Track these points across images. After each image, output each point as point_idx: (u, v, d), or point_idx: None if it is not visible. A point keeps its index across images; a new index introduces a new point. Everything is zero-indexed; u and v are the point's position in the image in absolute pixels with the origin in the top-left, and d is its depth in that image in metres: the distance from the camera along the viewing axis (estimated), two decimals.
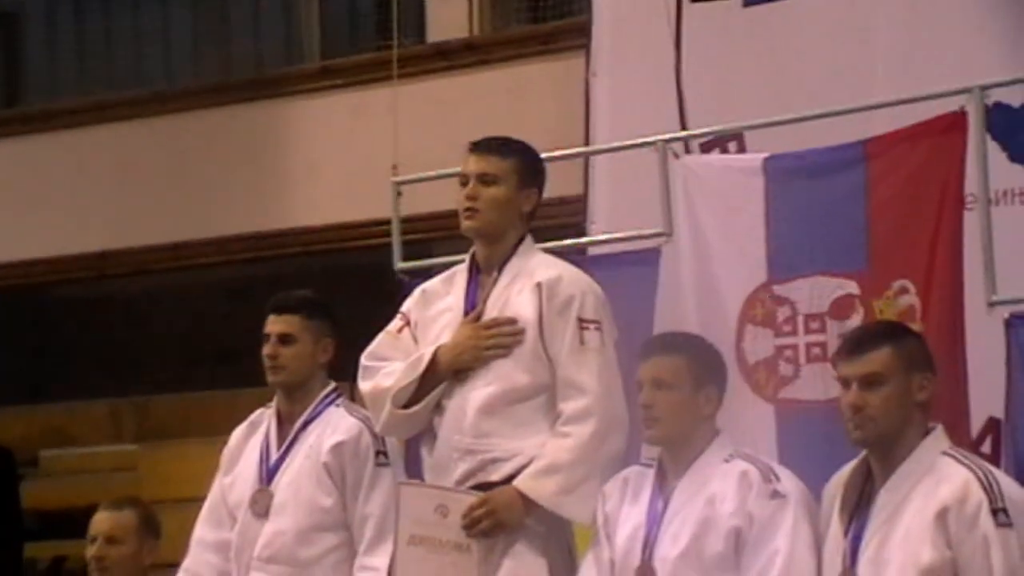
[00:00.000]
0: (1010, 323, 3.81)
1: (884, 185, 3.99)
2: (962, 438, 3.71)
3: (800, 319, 4.08)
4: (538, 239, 3.99)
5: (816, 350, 4.05)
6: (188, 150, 6.35)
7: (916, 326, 3.84)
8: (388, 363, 3.92)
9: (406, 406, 3.86)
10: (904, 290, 3.94)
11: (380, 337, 4.00)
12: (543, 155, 4.01)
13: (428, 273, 4.41)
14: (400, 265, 4.79)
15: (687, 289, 4.24)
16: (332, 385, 4.23)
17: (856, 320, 3.99)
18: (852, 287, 4.00)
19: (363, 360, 3.99)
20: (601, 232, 4.93)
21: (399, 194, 4.81)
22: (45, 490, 6.70)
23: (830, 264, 4.03)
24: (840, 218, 4.02)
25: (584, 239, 4.83)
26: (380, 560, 3.97)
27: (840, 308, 4.03)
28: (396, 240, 4.79)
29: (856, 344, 3.46)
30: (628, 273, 4.35)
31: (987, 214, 3.91)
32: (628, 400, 3.79)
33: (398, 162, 5.09)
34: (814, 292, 4.05)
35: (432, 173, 4.70)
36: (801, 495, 3.55)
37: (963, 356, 3.85)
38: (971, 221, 3.95)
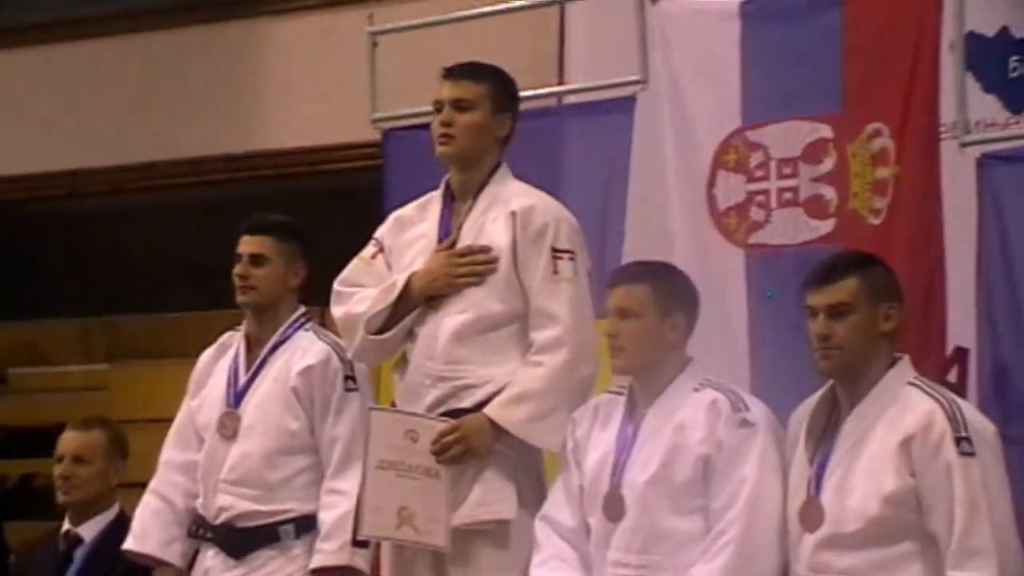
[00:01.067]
0: (981, 163, 3.80)
1: (859, 28, 4.01)
2: (935, 303, 3.73)
3: (773, 164, 4.11)
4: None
5: (788, 195, 4.08)
6: (161, 69, 6.27)
7: (890, 169, 3.85)
8: (361, 289, 3.91)
9: (378, 332, 3.85)
10: (877, 132, 3.96)
11: (353, 263, 3.98)
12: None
13: (404, 128, 4.42)
14: (376, 115, 4.80)
15: (662, 137, 4.24)
16: (302, 309, 4.22)
17: (829, 164, 4.03)
18: (826, 131, 4.02)
19: (336, 286, 3.97)
20: (578, 81, 4.86)
21: (375, 45, 4.89)
22: (14, 408, 6.70)
23: (804, 108, 4.05)
24: (815, 62, 4.03)
25: (560, 88, 4.77)
26: (348, 484, 3.98)
27: (813, 152, 4.06)
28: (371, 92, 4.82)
29: (823, 274, 3.47)
30: (604, 121, 4.38)
31: (960, 53, 3.86)
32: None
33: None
34: (788, 136, 4.08)
35: (411, 110, 4.73)
36: (769, 424, 3.57)
37: (939, 200, 3.85)
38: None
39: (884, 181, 3.96)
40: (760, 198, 4.10)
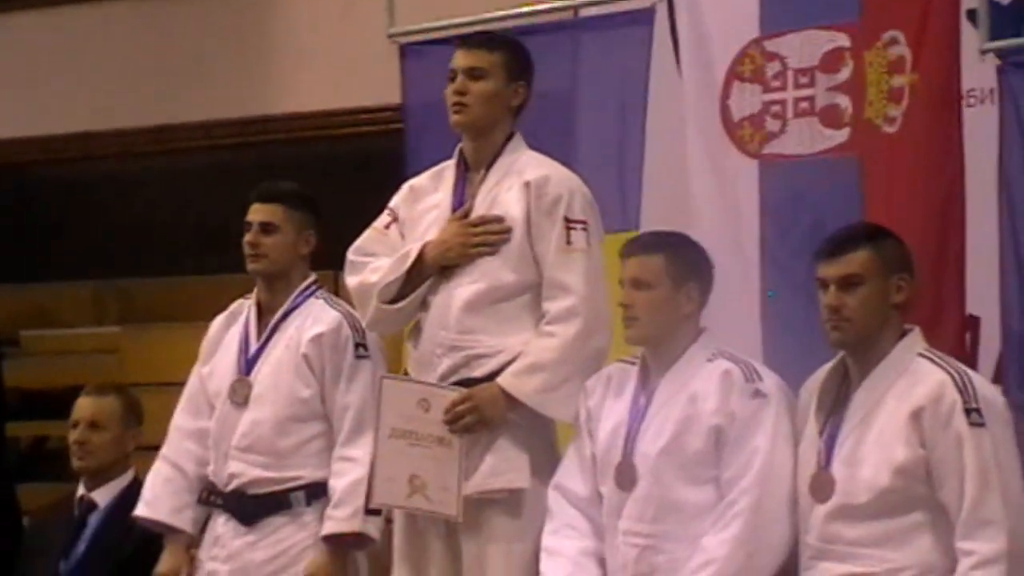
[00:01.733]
0: (1002, 69, 3.77)
1: None
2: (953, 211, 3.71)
3: (790, 74, 4.09)
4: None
5: (804, 104, 4.06)
6: (174, 32, 6.24)
7: (906, 77, 3.84)
8: (375, 259, 3.91)
9: (392, 301, 3.84)
10: (894, 41, 3.95)
11: (367, 233, 3.98)
12: None
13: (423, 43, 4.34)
14: (392, 29, 4.71)
15: (680, 47, 4.21)
16: (313, 277, 4.21)
17: (846, 73, 4.03)
18: (843, 40, 4.01)
19: (349, 255, 3.97)
20: None
21: None
22: (27, 370, 6.69)
23: (822, 16, 4.03)
24: None
25: (578, 1, 4.69)
26: (359, 451, 3.98)
27: (830, 61, 4.04)
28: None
29: (835, 246, 3.47)
30: (622, 34, 4.32)
31: None
32: None
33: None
34: (805, 46, 4.06)
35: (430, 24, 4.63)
36: (782, 394, 3.57)
37: (959, 106, 3.84)
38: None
39: (900, 89, 3.95)
40: (776, 108, 4.09)
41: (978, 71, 4.00)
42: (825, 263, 3.46)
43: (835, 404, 3.46)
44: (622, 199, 4.27)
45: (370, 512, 3.97)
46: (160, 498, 4.18)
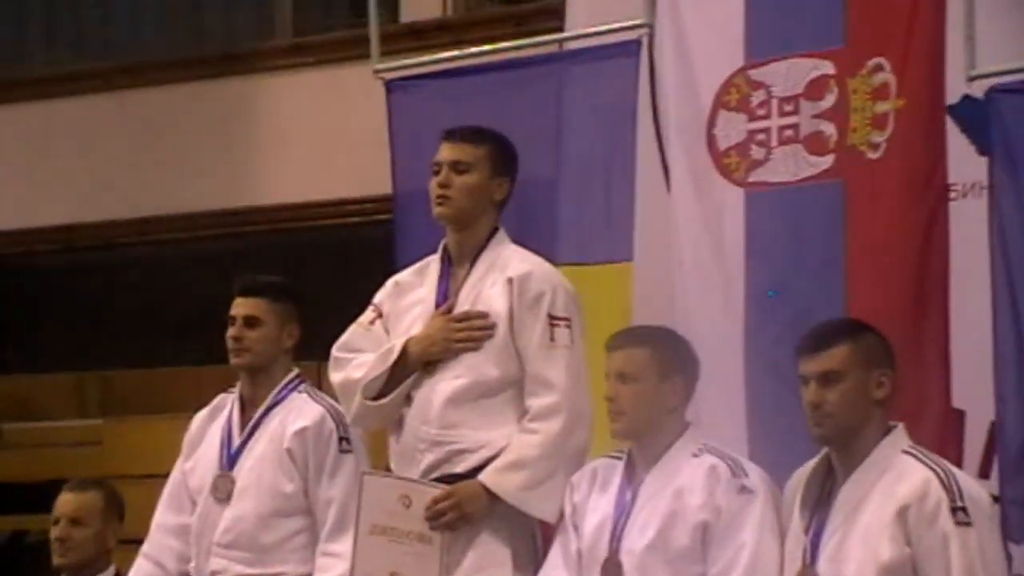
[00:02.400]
0: (990, 98, 3.78)
1: None
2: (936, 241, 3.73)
3: (774, 103, 4.10)
4: (517, 28, 3.88)
5: (788, 132, 4.08)
6: (157, 124, 6.29)
7: (890, 103, 3.87)
8: (359, 355, 3.91)
9: (376, 398, 3.84)
10: (879, 68, 3.96)
11: (352, 328, 3.99)
12: None
13: (409, 78, 4.35)
14: (378, 65, 4.69)
15: (666, 77, 4.23)
16: (296, 371, 4.21)
17: (830, 100, 4.05)
18: (828, 67, 4.02)
19: (334, 351, 3.97)
20: (580, 26, 4.76)
21: None
22: (8, 462, 6.65)
23: (807, 44, 4.05)
24: None
25: (563, 35, 4.72)
26: (343, 547, 3.95)
27: (814, 88, 4.05)
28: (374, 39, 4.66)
29: (814, 342, 3.47)
30: (609, 67, 4.33)
31: None
32: None
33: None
34: (790, 74, 4.08)
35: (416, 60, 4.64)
36: (768, 490, 3.56)
37: (943, 131, 3.85)
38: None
39: (884, 115, 3.96)
40: (761, 136, 4.11)
41: (959, 164, 4.04)
42: (805, 359, 3.46)
43: (820, 500, 3.45)
44: (610, 229, 4.25)
45: None
46: None
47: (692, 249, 4.17)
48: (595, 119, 4.40)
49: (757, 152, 4.11)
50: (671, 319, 4.04)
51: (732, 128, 4.14)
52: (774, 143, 4.08)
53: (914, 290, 3.83)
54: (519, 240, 3.95)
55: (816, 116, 4.06)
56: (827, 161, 4.04)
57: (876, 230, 3.94)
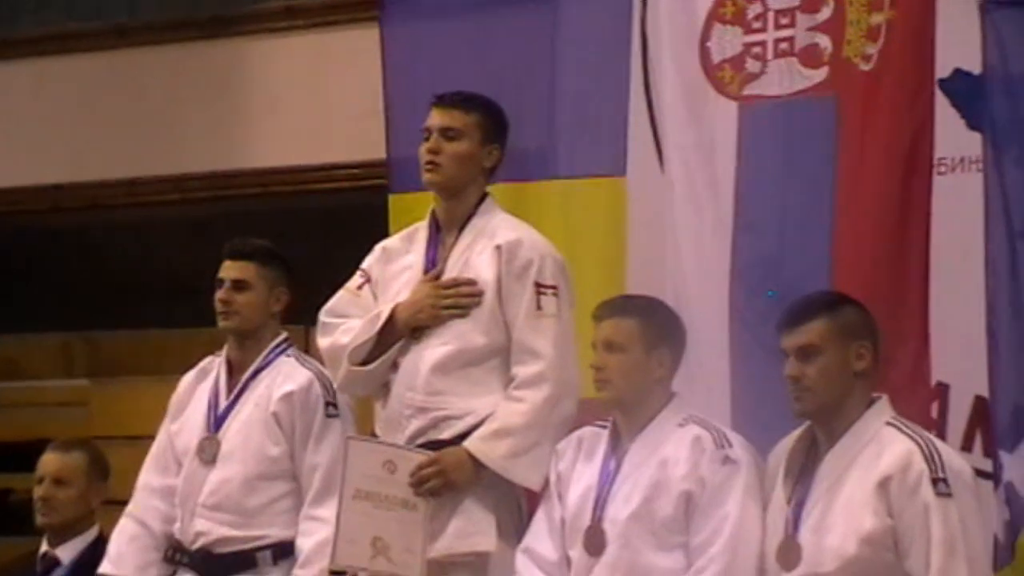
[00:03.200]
0: (984, 8, 3.75)
1: None
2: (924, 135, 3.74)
3: (770, 15, 4.11)
4: None
5: (784, 45, 4.09)
6: (148, 86, 6.24)
7: (883, 14, 3.90)
8: (347, 320, 3.91)
9: (363, 363, 3.84)
10: None
11: (340, 294, 3.98)
12: None
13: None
14: None
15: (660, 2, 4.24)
16: (284, 335, 4.21)
17: (826, 13, 4.04)
18: None
19: (322, 316, 3.97)
20: None
21: None
22: None
23: None
24: None
25: None
26: (327, 511, 3.96)
27: (810, 1, 4.05)
28: None
29: (792, 316, 3.49)
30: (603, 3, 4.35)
31: None
32: None
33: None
34: None
35: None
36: (752, 461, 3.57)
37: (932, 42, 3.85)
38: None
39: (878, 26, 3.98)
40: (757, 50, 4.12)
41: (949, 138, 4.04)
42: (784, 334, 3.48)
43: (803, 471, 3.46)
44: (603, 145, 4.28)
45: (335, 573, 3.94)
46: (125, 556, 4.15)
47: (683, 166, 4.17)
48: (589, 45, 4.41)
49: (752, 66, 4.11)
50: (662, 235, 4.06)
51: (727, 41, 4.14)
52: (770, 56, 4.09)
53: (897, 213, 3.82)
54: (515, 149, 3.94)
55: (812, 29, 4.07)
56: (821, 74, 4.05)
57: (866, 145, 3.94)
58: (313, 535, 3.98)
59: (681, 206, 4.16)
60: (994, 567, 3.52)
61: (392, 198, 4.59)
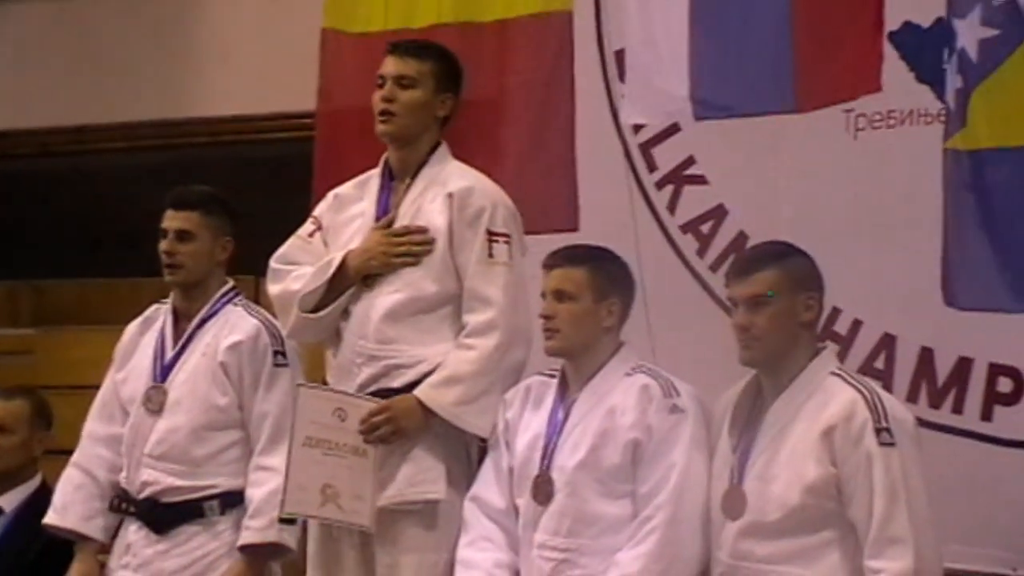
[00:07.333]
0: None
1: None
2: None
3: None
4: None
5: None
6: (95, 31, 6.17)
7: None
8: (298, 267, 3.89)
9: (314, 310, 3.82)
10: None
11: (291, 241, 3.96)
12: None
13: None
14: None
15: None
16: (230, 283, 4.18)
17: None
18: None
19: (272, 263, 3.94)
20: None
21: None
22: None
23: None
24: None
25: None
26: (276, 460, 3.94)
27: None
28: None
29: (743, 266, 3.51)
30: None
31: None
32: None
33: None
34: None
35: None
36: (699, 410, 3.59)
37: None
38: None
39: None
40: None
41: (899, 91, 4.05)
42: (734, 284, 3.50)
43: (749, 421, 3.49)
44: None
45: (285, 521, 3.93)
46: (70, 505, 4.13)
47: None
48: None
49: None
50: None
51: None
52: None
53: None
54: None
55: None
56: None
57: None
58: (263, 485, 3.97)
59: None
60: None
61: None
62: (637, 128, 4.52)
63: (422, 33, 4.64)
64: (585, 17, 4.60)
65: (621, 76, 4.45)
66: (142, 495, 4.05)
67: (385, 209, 3.86)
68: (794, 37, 3.93)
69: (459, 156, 3.91)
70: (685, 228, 4.51)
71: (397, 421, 3.71)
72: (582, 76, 4.56)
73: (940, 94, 3.90)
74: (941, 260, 3.71)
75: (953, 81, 3.59)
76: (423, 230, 3.78)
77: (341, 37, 4.92)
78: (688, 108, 4.07)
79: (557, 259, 3.70)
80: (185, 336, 4.10)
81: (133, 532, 4.06)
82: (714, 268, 4.41)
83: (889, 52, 4.02)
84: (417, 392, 3.72)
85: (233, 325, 4.07)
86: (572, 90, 4.57)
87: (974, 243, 3.58)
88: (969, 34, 3.56)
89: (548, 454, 3.61)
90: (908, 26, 4.06)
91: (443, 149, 3.90)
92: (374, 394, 3.76)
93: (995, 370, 4.10)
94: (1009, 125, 3.54)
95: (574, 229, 4.47)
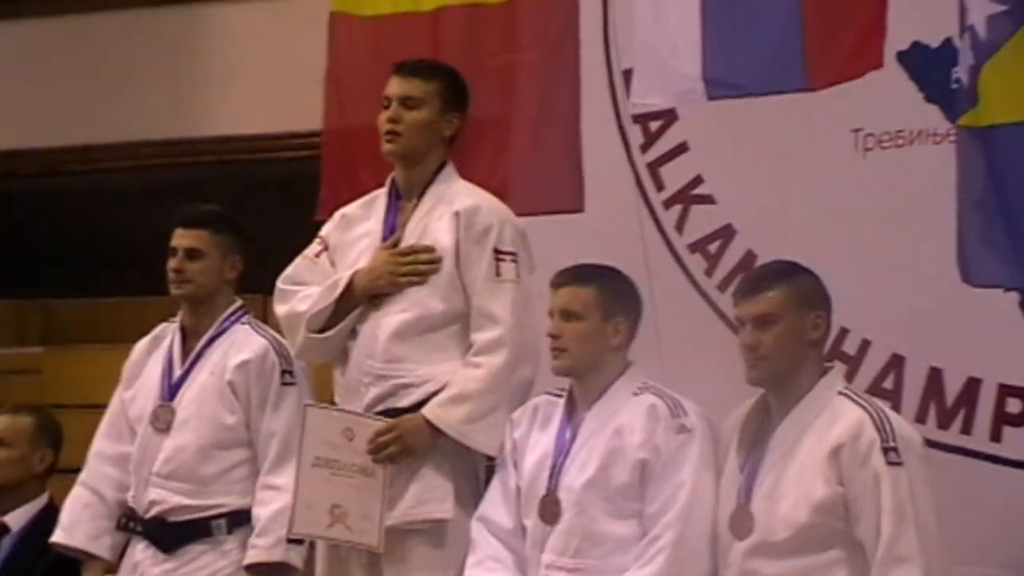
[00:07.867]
0: None
1: None
2: None
3: None
4: None
5: None
6: (103, 51, 6.19)
7: None
8: (305, 287, 3.90)
9: (321, 331, 3.83)
10: None
11: (297, 261, 3.98)
12: None
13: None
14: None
15: None
16: (239, 302, 4.19)
17: None
18: None
19: (279, 284, 3.96)
20: None
21: None
22: None
23: None
24: None
25: None
26: (284, 479, 3.94)
27: None
28: None
29: (751, 285, 3.52)
30: None
31: None
32: None
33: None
34: None
35: None
36: (706, 429, 3.59)
37: None
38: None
39: None
40: None
41: (907, 111, 4.05)
42: (741, 302, 3.50)
43: (756, 440, 3.49)
44: None
45: (293, 540, 3.93)
46: (78, 524, 4.13)
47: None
48: None
49: None
50: None
51: None
52: None
53: None
54: None
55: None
56: None
57: None
58: (270, 504, 3.97)
59: None
60: None
61: None
62: (645, 132, 4.49)
63: (431, 15, 4.65)
64: None
65: (627, 76, 4.40)
66: (149, 514, 4.05)
67: (392, 228, 3.87)
68: (804, 16, 3.94)
69: (466, 140, 3.91)
70: (693, 247, 4.51)
71: (405, 440, 3.72)
72: (587, 64, 4.53)
73: (949, 114, 3.90)
74: (956, 236, 3.65)
75: (965, 58, 3.56)
76: (430, 249, 3.79)
77: (351, 20, 4.91)
78: (700, 87, 4.06)
79: (564, 278, 3.70)
80: (193, 355, 4.11)
81: (140, 551, 4.06)
82: (722, 288, 4.40)
83: (898, 72, 4.03)
84: (425, 411, 3.72)
85: (241, 344, 4.08)
86: (577, 69, 4.55)
87: (988, 220, 3.54)
88: (978, 10, 3.55)
89: (555, 474, 3.61)
90: (917, 46, 4.07)
91: (449, 168, 3.91)
92: (382, 413, 3.77)
93: (1004, 390, 4.08)
94: (1019, 99, 3.52)
95: (579, 210, 4.45)
